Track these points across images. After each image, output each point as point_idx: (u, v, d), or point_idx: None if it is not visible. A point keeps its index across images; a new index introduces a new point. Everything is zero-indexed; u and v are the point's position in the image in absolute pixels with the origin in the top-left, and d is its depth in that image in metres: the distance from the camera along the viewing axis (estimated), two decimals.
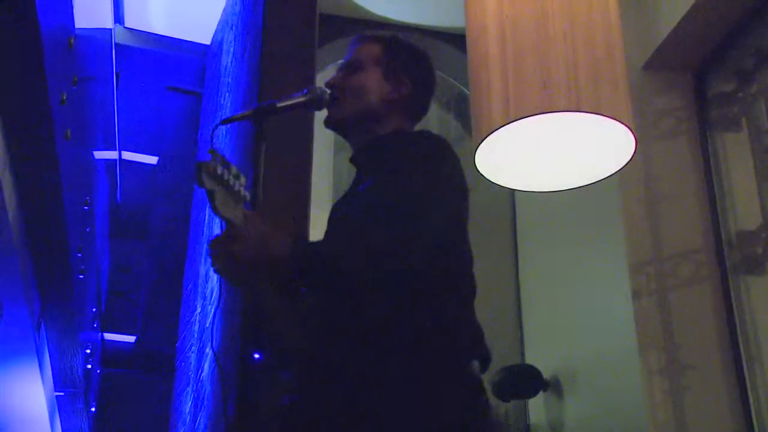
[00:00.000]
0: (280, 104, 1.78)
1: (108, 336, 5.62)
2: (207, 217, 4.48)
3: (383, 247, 1.51)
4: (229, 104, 4.28)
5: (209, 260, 1.51)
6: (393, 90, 1.85)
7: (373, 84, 1.85)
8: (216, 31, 5.57)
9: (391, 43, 1.93)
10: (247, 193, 1.46)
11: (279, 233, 1.52)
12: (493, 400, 3.45)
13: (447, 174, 1.68)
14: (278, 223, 2.76)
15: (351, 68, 1.89)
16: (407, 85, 1.87)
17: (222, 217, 1.42)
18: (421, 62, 1.94)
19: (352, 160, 1.89)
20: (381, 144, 1.81)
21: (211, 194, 1.36)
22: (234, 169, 1.42)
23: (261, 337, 1.67)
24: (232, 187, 1.40)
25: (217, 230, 3.93)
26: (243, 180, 1.45)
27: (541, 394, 3.51)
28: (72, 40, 2.66)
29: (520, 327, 3.84)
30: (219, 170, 1.36)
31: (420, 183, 1.60)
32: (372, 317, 1.57)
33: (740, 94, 3.14)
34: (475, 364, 1.64)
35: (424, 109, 1.94)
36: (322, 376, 1.60)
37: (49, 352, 3.74)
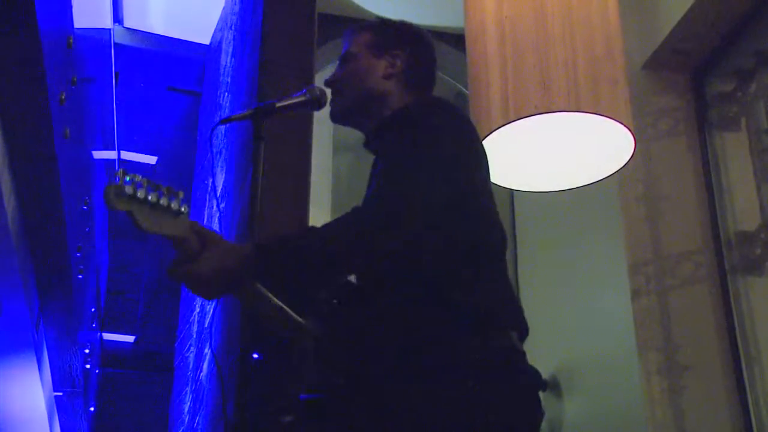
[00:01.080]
0: (279, 104, 1.78)
1: (107, 336, 5.62)
2: (206, 217, 4.48)
3: (393, 214, 1.45)
4: (228, 104, 4.28)
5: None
6: (388, 65, 1.83)
7: (367, 66, 1.83)
8: (215, 30, 5.57)
9: (376, 24, 1.93)
10: (184, 207, 1.41)
11: (240, 245, 1.50)
12: None
13: (454, 135, 1.63)
14: (278, 222, 2.77)
15: (343, 61, 1.88)
16: (401, 57, 1.84)
17: (154, 233, 1.39)
18: (412, 33, 1.92)
19: (366, 145, 1.86)
20: (390, 122, 1.77)
21: (129, 215, 1.34)
22: (162, 186, 1.39)
23: (261, 338, 1.66)
24: (156, 203, 1.36)
25: (215, 229, 3.92)
26: (179, 194, 1.43)
27: (540, 394, 3.51)
28: (71, 40, 2.66)
29: None
30: (130, 190, 1.33)
31: (428, 141, 1.57)
32: (386, 290, 1.53)
33: (739, 94, 3.14)
34: (513, 334, 1.57)
35: (427, 80, 1.90)
36: (349, 370, 1.55)
37: (48, 351, 3.73)
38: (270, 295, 1.55)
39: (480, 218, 1.64)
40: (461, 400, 1.45)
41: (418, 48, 1.90)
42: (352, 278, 1.63)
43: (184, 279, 1.45)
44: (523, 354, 1.58)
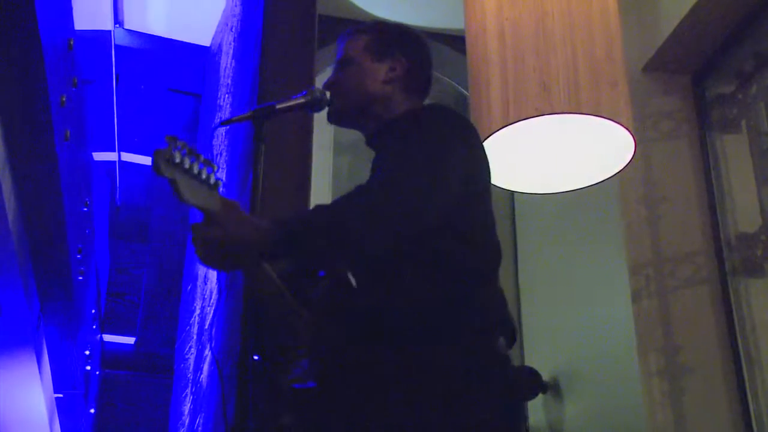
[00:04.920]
0: (279, 106, 1.78)
1: (107, 337, 5.62)
2: None
3: (389, 207, 1.47)
4: (228, 105, 4.28)
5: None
6: (389, 69, 1.84)
7: (367, 70, 1.84)
8: (215, 32, 5.57)
9: (374, 28, 1.93)
10: (219, 180, 1.41)
11: (258, 217, 1.51)
12: None
13: (459, 137, 1.65)
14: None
15: (342, 64, 1.88)
16: (402, 62, 1.85)
17: (192, 205, 1.38)
18: (411, 37, 1.93)
19: (368, 143, 1.86)
20: (395, 124, 1.78)
21: (172, 182, 1.31)
22: (201, 157, 1.37)
23: (261, 335, 1.66)
24: (198, 174, 1.35)
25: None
26: (215, 166, 1.41)
27: (540, 396, 3.51)
28: (72, 42, 2.66)
29: (520, 328, 3.84)
30: (178, 158, 1.31)
31: (431, 144, 1.59)
32: (380, 284, 1.54)
33: (739, 97, 3.14)
34: (501, 340, 1.59)
35: (427, 83, 1.91)
36: (338, 360, 1.56)
37: (48, 353, 3.73)
38: (275, 276, 1.55)
39: (480, 222, 1.66)
40: (440, 399, 1.47)
41: (418, 52, 1.91)
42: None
43: (202, 243, 1.44)
44: (508, 359, 1.59)
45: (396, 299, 1.54)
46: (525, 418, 1.67)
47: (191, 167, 1.33)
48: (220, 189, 1.44)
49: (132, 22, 5.71)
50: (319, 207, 1.51)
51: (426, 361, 1.49)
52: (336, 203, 1.51)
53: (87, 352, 4.44)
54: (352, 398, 1.52)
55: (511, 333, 1.63)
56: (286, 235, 1.45)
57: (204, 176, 1.37)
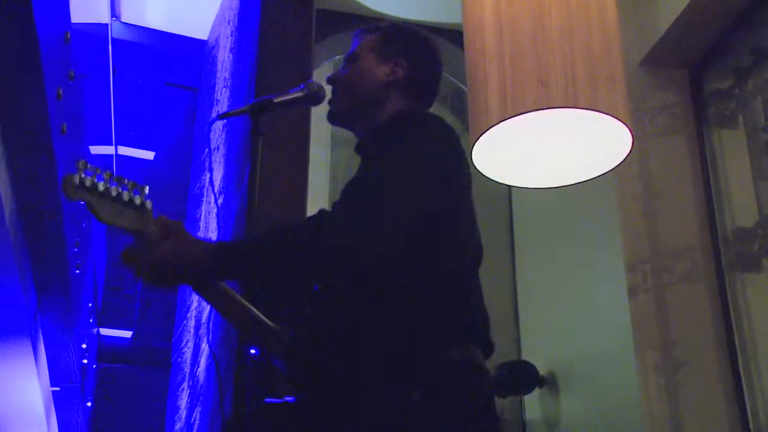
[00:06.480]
0: (277, 99, 1.78)
1: (104, 331, 5.62)
2: (203, 212, 4.48)
3: (353, 223, 1.47)
4: (226, 99, 4.27)
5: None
6: (390, 72, 1.83)
7: (367, 70, 1.84)
8: (213, 26, 5.56)
9: (387, 29, 1.92)
10: (149, 200, 1.42)
11: (205, 241, 1.51)
12: None
13: (437, 146, 1.64)
14: (276, 217, 2.77)
15: (349, 61, 1.89)
16: (403, 65, 1.84)
17: (116, 227, 1.39)
18: (419, 42, 1.92)
19: (356, 149, 1.86)
20: (381, 130, 1.77)
21: (88, 205, 1.34)
22: (125, 180, 1.38)
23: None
24: (118, 196, 1.37)
25: (213, 224, 3.93)
26: (144, 189, 1.42)
27: (537, 391, 3.52)
28: (68, 35, 2.65)
29: (517, 323, 3.84)
30: (89, 182, 1.32)
31: (406, 154, 1.58)
32: (351, 298, 1.54)
33: (737, 91, 3.14)
34: (474, 349, 1.57)
35: (429, 89, 1.91)
36: (311, 372, 1.56)
37: (45, 346, 3.73)
38: (240, 298, 1.55)
39: (452, 233, 1.63)
40: (405, 412, 1.45)
41: (423, 59, 1.90)
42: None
43: (138, 264, 1.45)
44: (483, 370, 1.57)
45: (364, 308, 1.53)
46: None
47: (108, 190, 1.34)
48: (151, 209, 1.44)
49: (129, 15, 5.70)
50: (271, 233, 1.52)
51: (399, 372, 1.48)
52: (289, 232, 1.51)
53: (84, 346, 4.44)
54: (327, 411, 1.52)
55: (488, 343, 1.61)
56: (229, 261, 1.46)
57: (126, 198, 1.38)
